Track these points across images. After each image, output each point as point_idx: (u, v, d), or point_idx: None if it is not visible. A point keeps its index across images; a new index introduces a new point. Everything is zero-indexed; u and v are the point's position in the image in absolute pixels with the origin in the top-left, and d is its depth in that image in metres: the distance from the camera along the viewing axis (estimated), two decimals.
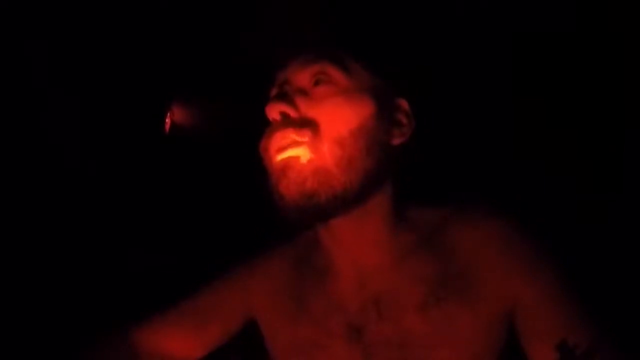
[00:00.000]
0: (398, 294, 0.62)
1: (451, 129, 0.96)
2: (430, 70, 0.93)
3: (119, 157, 1.21)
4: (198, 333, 0.75)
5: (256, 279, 0.75)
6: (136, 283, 1.11)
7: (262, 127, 0.62)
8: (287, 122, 0.58)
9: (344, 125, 0.58)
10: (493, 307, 0.59)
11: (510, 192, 0.85)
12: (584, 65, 0.97)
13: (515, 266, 0.59)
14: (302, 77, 0.62)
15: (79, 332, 0.78)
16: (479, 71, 1.01)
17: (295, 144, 0.57)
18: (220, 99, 1.32)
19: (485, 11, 0.99)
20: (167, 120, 1.31)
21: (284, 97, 0.60)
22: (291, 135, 0.57)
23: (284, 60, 0.64)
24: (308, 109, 0.59)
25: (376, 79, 0.63)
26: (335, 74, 0.61)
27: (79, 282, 1.06)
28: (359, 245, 0.64)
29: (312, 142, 0.57)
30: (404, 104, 0.65)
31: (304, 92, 0.61)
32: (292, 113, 0.59)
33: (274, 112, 0.59)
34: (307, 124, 0.58)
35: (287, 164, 0.57)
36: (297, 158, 0.57)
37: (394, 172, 0.64)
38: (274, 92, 0.64)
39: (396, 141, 0.63)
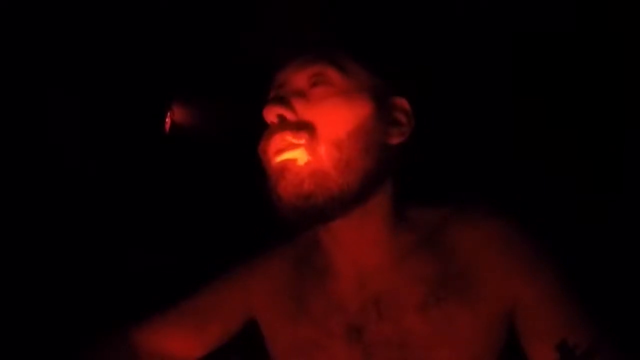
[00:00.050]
0: (398, 294, 0.62)
1: (451, 129, 0.96)
2: (429, 69, 0.93)
3: (119, 157, 1.21)
4: (198, 333, 0.75)
5: (256, 279, 0.74)
6: (136, 283, 1.11)
7: (262, 128, 0.62)
8: (284, 124, 0.59)
9: (341, 126, 0.58)
10: (493, 307, 0.59)
11: (510, 192, 0.85)
12: (584, 65, 0.97)
13: (515, 266, 0.59)
14: (299, 78, 0.62)
15: (79, 332, 0.78)
16: (479, 71, 1.01)
17: (293, 146, 0.57)
18: (220, 99, 1.32)
19: (485, 11, 0.99)
20: (167, 120, 1.31)
21: (281, 99, 0.60)
22: (288, 138, 0.57)
23: (283, 62, 0.64)
24: (305, 111, 0.59)
25: (375, 78, 0.63)
26: (333, 74, 0.61)
27: (79, 282, 1.06)
28: (359, 245, 0.64)
29: (309, 144, 0.57)
30: (403, 102, 0.65)
31: (301, 94, 0.61)
32: (289, 116, 0.59)
33: (271, 115, 0.60)
34: (304, 126, 0.58)
35: (285, 166, 0.58)
36: (294, 160, 0.57)
37: (393, 172, 0.64)
38: (271, 94, 0.64)
39: (395, 140, 0.63)
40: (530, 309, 0.57)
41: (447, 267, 0.61)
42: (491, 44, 1.00)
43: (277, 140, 0.58)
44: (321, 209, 0.57)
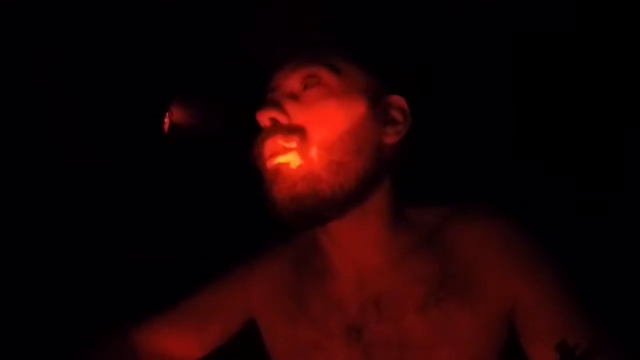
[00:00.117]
0: (398, 294, 0.62)
1: (451, 129, 0.96)
2: (428, 67, 0.92)
3: (119, 157, 1.21)
4: (198, 333, 0.75)
5: (256, 279, 0.75)
6: (136, 283, 1.11)
7: (260, 128, 0.62)
8: (277, 128, 0.59)
9: (332, 128, 0.58)
10: (493, 307, 0.59)
11: (510, 192, 0.85)
12: (584, 65, 0.97)
13: (515, 266, 0.59)
14: (292, 81, 0.62)
15: (79, 332, 0.78)
16: (479, 71, 1.01)
17: (285, 150, 0.58)
18: (219, 99, 1.32)
19: (485, 11, 0.99)
20: (165, 120, 1.31)
21: (274, 103, 0.61)
22: (280, 142, 0.58)
23: (278, 63, 0.65)
24: (297, 114, 0.60)
25: (370, 77, 0.63)
26: (325, 75, 0.61)
27: (79, 282, 1.06)
28: (358, 245, 0.64)
29: (301, 148, 0.58)
30: (399, 100, 0.64)
31: (294, 97, 0.61)
32: (281, 119, 0.60)
33: (264, 118, 0.60)
34: (295, 130, 0.58)
35: (278, 169, 0.58)
36: (287, 164, 0.58)
37: (391, 171, 0.64)
38: (266, 97, 0.65)
39: (391, 139, 0.62)
40: (530, 309, 0.57)
41: (447, 267, 0.61)
42: (491, 44, 1.00)
43: (270, 144, 0.59)
44: (315, 211, 0.58)
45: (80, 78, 1.14)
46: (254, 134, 0.62)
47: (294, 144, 0.58)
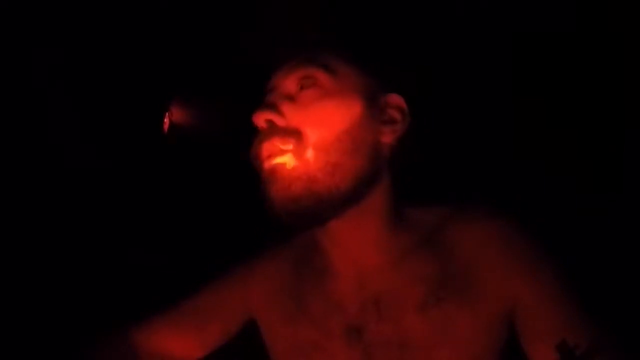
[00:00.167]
0: (398, 294, 0.62)
1: (451, 129, 0.96)
2: (427, 67, 0.92)
3: (119, 157, 1.21)
4: (198, 333, 0.75)
5: (256, 279, 0.74)
6: (136, 283, 1.11)
7: (258, 129, 0.62)
8: (273, 130, 0.60)
9: (328, 129, 0.58)
10: (493, 307, 0.59)
11: (510, 192, 0.85)
12: (584, 65, 0.97)
13: (515, 266, 0.59)
14: (288, 82, 0.62)
15: (79, 332, 0.78)
16: (479, 71, 1.01)
17: (281, 152, 0.58)
18: (219, 99, 1.32)
19: (485, 11, 0.99)
20: (165, 120, 1.31)
21: (270, 105, 0.61)
22: (276, 144, 0.59)
23: (276, 64, 0.65)
24: (293, 116, 0.60)
25: (367, 77, 0.63)
26: (321, 76, 0.61)
27: (79, 282, 1.06)
28: (358, 245, 0.64)
29: (296, 149, 0.58)
30: (397, 99, 0.64)
31: (290, 98, 0.61)
32: (277, 121, 0.60)
33: (260, 120, 0.61)
34: (291, 132, 0.59)
35: (274, 170, 0.59)
36: (283, 164, 0.58)
37: (390, 171, 0.64)
38: (264, 99, 0.65)
39: (389, 139, 0.62)
40: (530, 309, 0.57)
41: (447, 267, 0.61)
42: (491, 44, 1.00)
43: (267, 146, 0.59)
44: (312, 211, 0.58)
45: (80, 78, 1.14)
46: (254, 134, 0.62)
47: (290, 146, 0.58)
